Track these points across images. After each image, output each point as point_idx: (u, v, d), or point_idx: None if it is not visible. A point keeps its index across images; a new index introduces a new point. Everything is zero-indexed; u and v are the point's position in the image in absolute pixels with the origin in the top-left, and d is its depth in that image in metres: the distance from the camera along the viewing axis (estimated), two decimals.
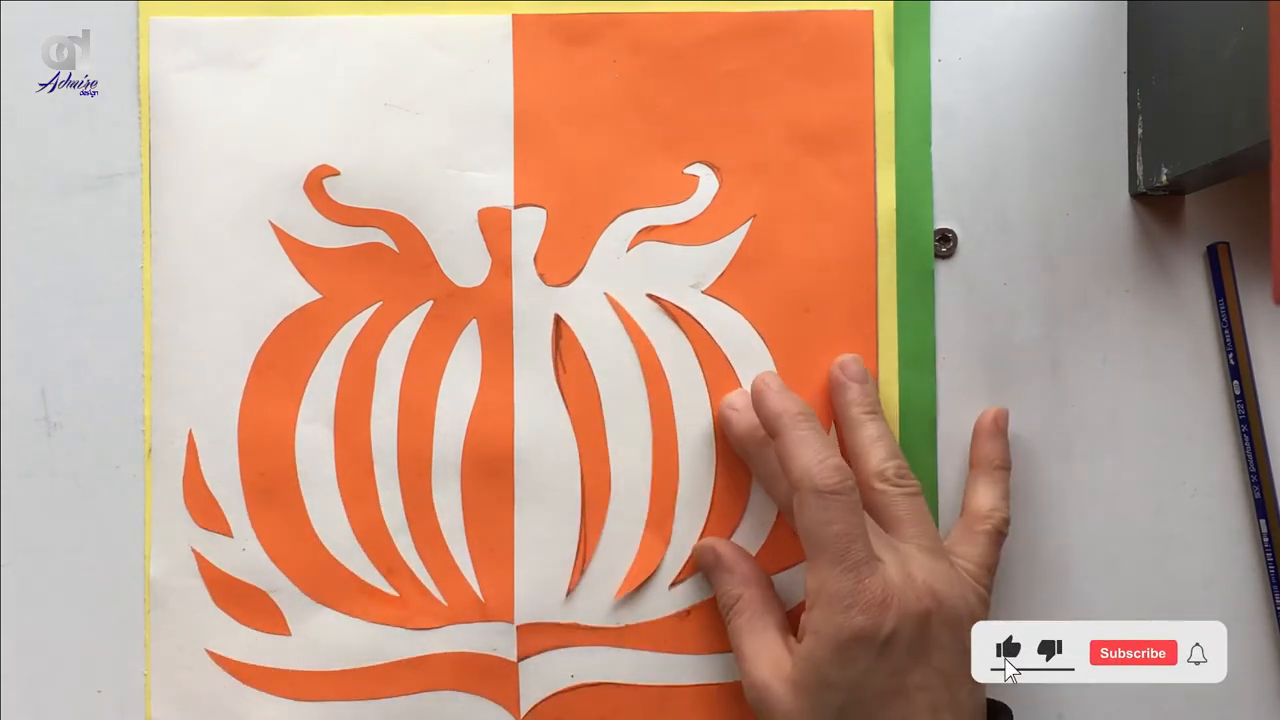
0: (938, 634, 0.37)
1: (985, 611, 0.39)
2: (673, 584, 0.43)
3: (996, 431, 0.43)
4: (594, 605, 0.43)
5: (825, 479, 0.37)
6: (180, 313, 0.44)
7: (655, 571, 0.43)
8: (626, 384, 0.43)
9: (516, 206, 0.44)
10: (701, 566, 0.43)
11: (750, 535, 0.43)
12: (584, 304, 0.44)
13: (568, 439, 0.43)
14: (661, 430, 0.43)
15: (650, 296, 0.43)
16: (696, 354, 0.43)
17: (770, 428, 0.39)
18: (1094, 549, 0.43)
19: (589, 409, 0.43)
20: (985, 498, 0.41)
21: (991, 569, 0.40)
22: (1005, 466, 0.42)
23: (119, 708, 0.44)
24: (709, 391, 0.43)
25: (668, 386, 0.43)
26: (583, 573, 0.43)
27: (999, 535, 0.41)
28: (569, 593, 0.43)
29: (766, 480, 0.42)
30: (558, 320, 0.44)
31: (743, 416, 0.42)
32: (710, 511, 0.43)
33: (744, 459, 0.43)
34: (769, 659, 0.39)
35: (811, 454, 0.37)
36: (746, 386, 0.43)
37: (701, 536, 0.43)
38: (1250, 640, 0.43)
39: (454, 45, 0.44)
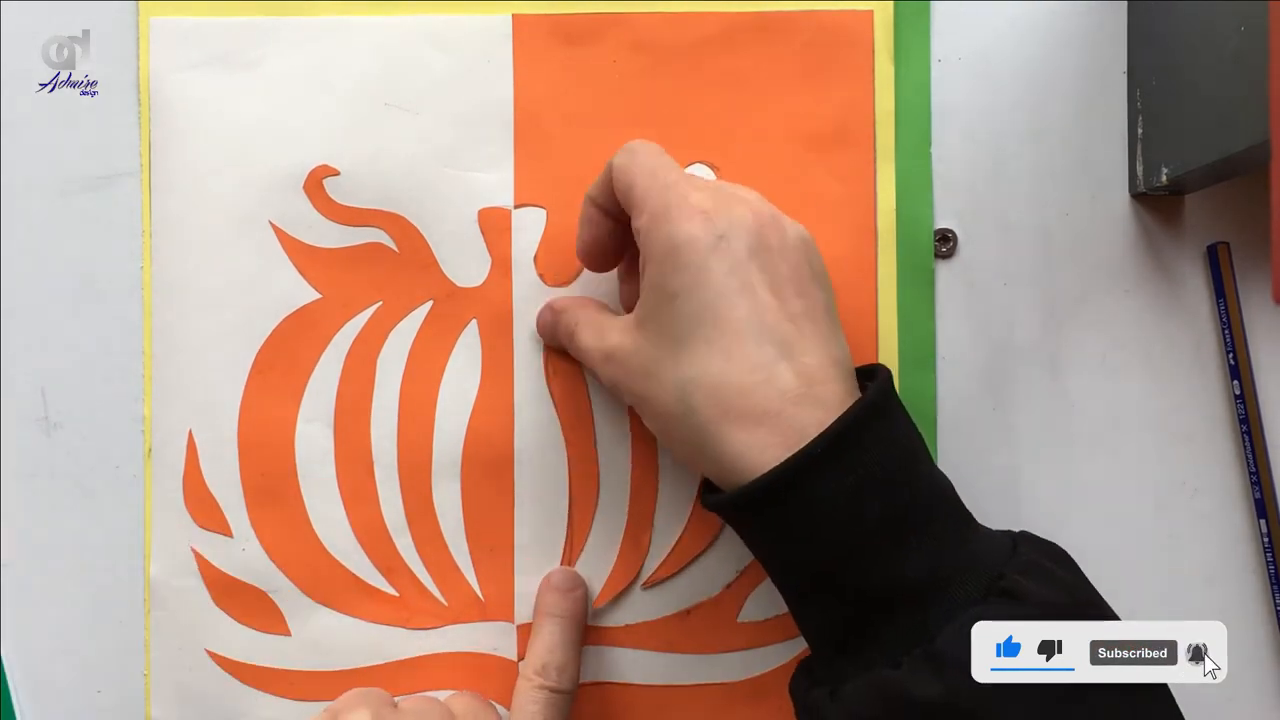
0: (774, 241, 0.36)
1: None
2: (646, 585, 0.43)
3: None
4: (593, 606, 0.43)
5: None
6: (180, 313, 0.44)
7: (633, 580, 0.43)
8: None
9: (516, 206, 0.44)
10: (541, 330, 0.43)
11: (735, 542, 0.43)
12: None
13: (559, 441, 0.43)
14: (643, 435, 0.43)
15: None
16: None
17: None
18: (1094, 549, 0.43)
19: (578, 411, 0.43)
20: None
21: None
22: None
23: (119, 708, 0.44)
24: None
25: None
26: None
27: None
28: None
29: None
30: None
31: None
32: (689, 519, 0.43)
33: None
34: (605, 328, 0.39)
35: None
36: None
37: (677, 543, 0.43)
38: (1250, 640, 0.43)
39: (454, 45, 0.44)
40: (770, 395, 0.34)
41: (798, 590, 0.36)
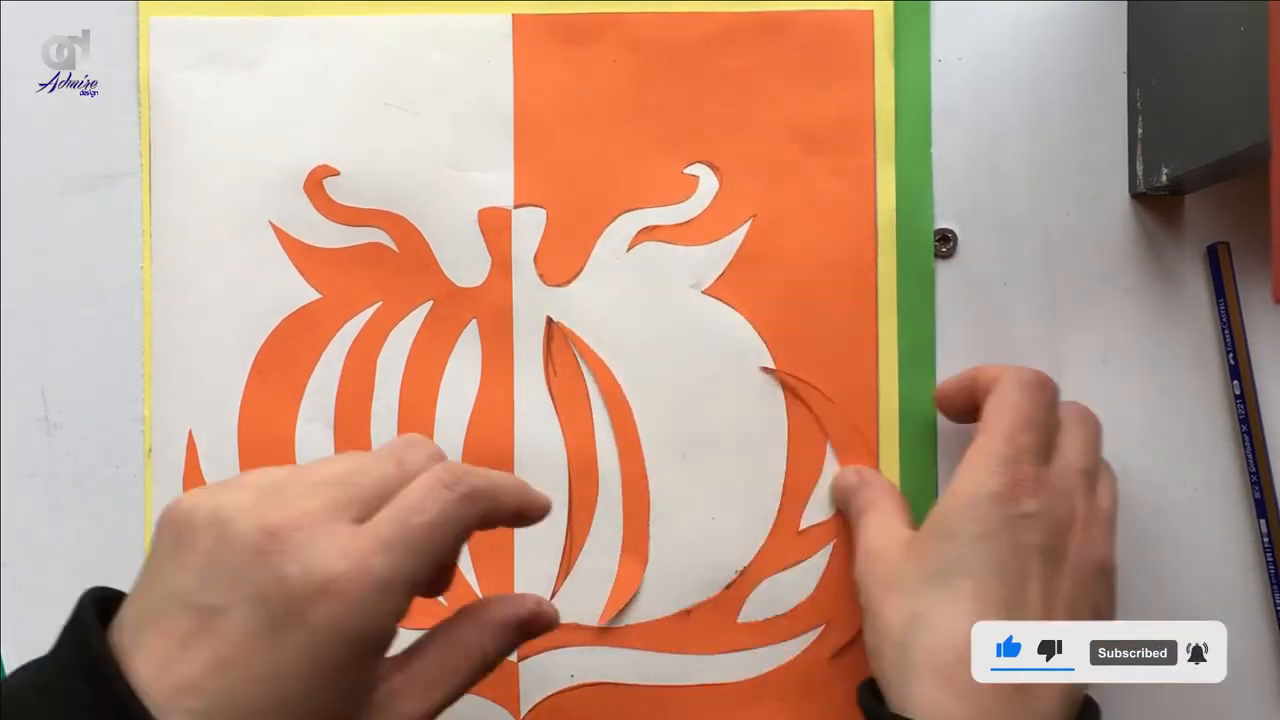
0: (1072, 553, 0.37)
1: (1111, 583, 0.39)
2: (649, 590, 0.43)
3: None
4: (599, 621, 0.43)
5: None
6: (180, 313, 0.44)
7: (635, 595, 0.43)
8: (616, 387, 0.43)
9: (516, 206, 0.44)
10: (837, 492, 0.43)
11: (735, 542, 0.43)
12: (582, 305, 0.44)
13: (559, 441, 0.43)
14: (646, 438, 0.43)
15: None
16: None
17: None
18: None
19: (578, 411, 0.43)
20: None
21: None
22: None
23: None
24: None
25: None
26: (568, 576, 0.43)
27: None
28: (552, 596, 0.43)
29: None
30: (549, 322, 0.44)
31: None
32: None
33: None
34: (886, 528, 0.39)
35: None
36: (741, 390, 0.43)
37: (681, 544, 0.43)
38: (1250, 640, 0.43)
39: (454, 45, 0.44)
40: (984, 690, 0.34)
41: None
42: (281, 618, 0.29)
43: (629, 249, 0.44)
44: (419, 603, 0.44)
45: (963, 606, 0.35)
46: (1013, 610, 0.35)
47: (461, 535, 0.33)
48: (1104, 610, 0.38)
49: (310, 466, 0.33)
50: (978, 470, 0.37)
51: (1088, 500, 0.38)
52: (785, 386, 0.43)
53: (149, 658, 0.29)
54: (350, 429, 0.43)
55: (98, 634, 0.29)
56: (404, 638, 0.43)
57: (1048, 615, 0.36)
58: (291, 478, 0.32)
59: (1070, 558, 0.37)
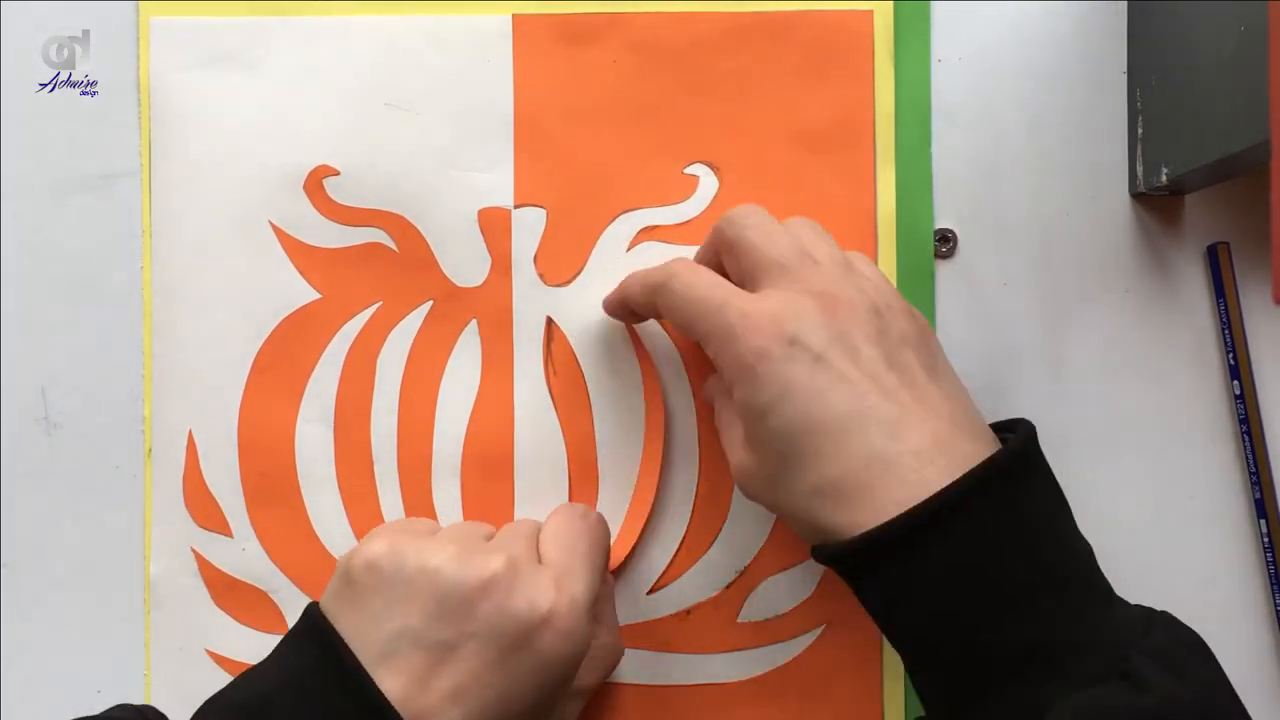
0: (846, 321, 0.35)
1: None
2: (650, 591, 0.43)
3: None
4: None
5: None
6: (180, 313, 0.44)
7: (630, 568, 0.43)
8: (616, 387, 0.43)
9: (516, 206, 0.44)
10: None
11: (735, 542, 0.43)
12: (582, 305, 0.44)
13: (559, 441, 0.43)
14: (650, 435, 0.43)
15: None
16: (684, 362, 0.43)
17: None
18: (1094, 549, 0.43)
19: (578, 412, 0.43)
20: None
21: None
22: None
23: None
24: (694, 401, 0.43)
25: (660, 391, 0.43)
26: None
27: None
28: None
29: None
30: (549, 322, 0.44)
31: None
32: (691, 520, 0.43)
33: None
34: (730, 440, 0.38)
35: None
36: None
37: (680, 546, 0.43)
38: (1250, 640, 0.43)
39: (454, 45, 0.44)
40: (891, 483, 0.33)
41: (912, 652, 0.35)
42: (511, 648, 0.34)
43: (629, 249, 0.44)
44: None
45: (824, 452, 0.34)
46: (850, 413, 0.34)
47: (607, 556, 0.40)
48: (902, 327, 0.36)
49: (461, 525, 0.40)
50: (731, 348, 0.35)
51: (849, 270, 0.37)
52: None
53: (390, 689, 0.33)
54: (350, 429, 0.43)
55: (345, 649, 0.34)
56: None
57: (877, 384, 0.34)
58: (470, 530, 0.38)
59: (847, 327, 0.35)
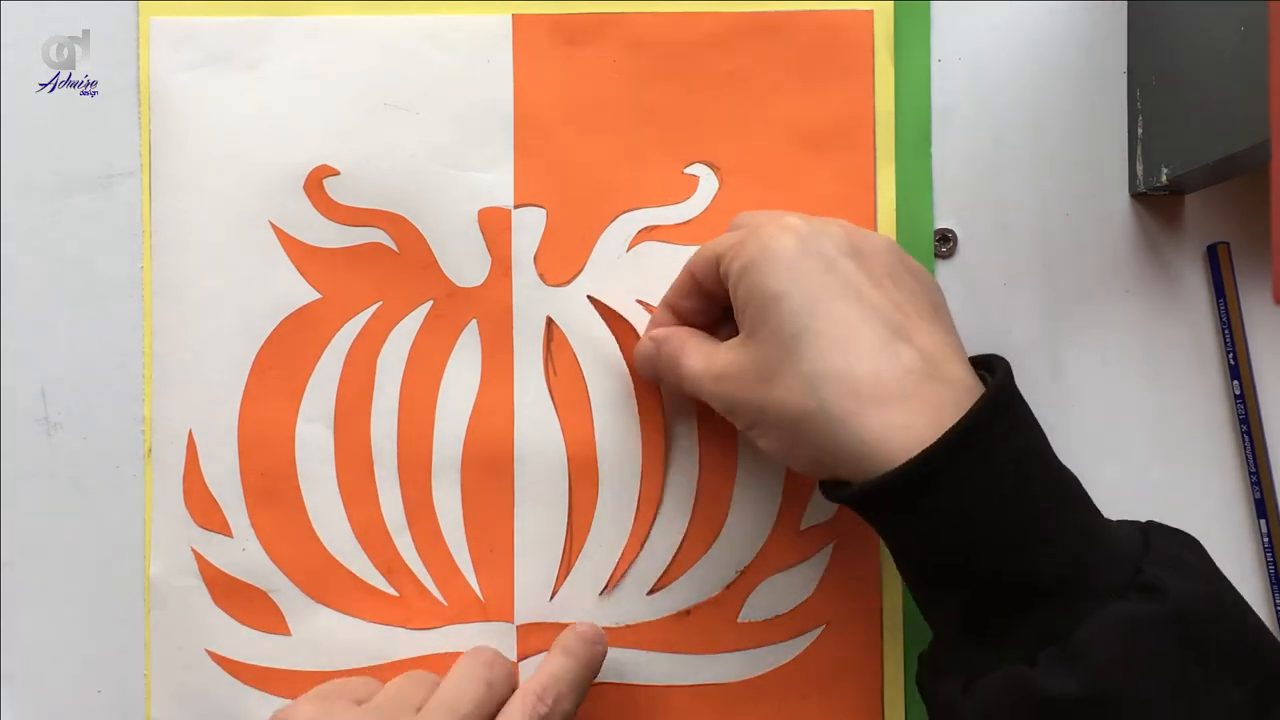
0: (863, 245, 0.37)
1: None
2: (650, 591, 0.43)
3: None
4: (593, 606, 0.43)
5: None
6: (180, 313, 0.44)
7: (630, 568, 0.43)
8: (616, 387, 0.43)
9: (516, 206, 0.44)
10: (641, 362, 0.42)
11: (735, 542, 0.43)
12: (582, 305, 0.44)
13: (559, 441, 0.43)
14: (649, 435, 0.43)
15: (639, 302, 0.43)
16: None
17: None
18: None
19: (578, 412, 0.43)
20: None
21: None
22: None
23: (119, 708, 0.44)
24: (694, 402, 0.43)
25: (660, 391, 0.43)
26: (567, 576, 0.43)
27: None
28: (552, 597, 0.43)
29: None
30: (549, 322, 0.44)
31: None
32: (691, 520, 0.43)
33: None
34: (710, 349, 0.39)
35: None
36: None
37: (680, 546, 0.43)
38: None
39: (454, 45, 0.44)
40: (899, 374, 0.34)
41: (930, 576, 0.35)
42: None
43: (629, 249, 0.44)
44: (419, 603, 0.44)
45: (835, 335, 0.35)
46: (861, 306, 0.35)
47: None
48: (913, 266, 0.38)
49: (402, 687, 0.39)
50: (756, 238, 0.37)
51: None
52: None
53: None
54: (350, 429, 0.43)
55: None
56: (410, 640, 0.43)
57: (886, 295, 0.36)
58: (403, 701, 0.38)
59: (864, 249, 0.37)
